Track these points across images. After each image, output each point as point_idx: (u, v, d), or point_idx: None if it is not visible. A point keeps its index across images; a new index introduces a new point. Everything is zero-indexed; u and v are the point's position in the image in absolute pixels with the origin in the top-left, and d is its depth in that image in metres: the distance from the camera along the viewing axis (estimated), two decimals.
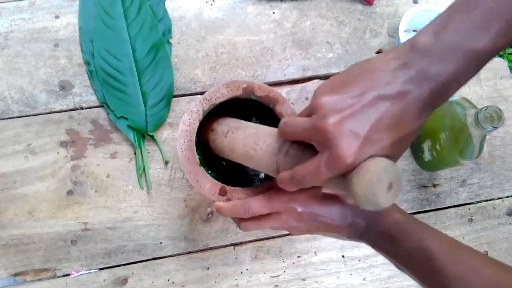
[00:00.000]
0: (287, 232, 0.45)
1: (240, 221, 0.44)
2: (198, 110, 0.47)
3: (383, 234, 0.41)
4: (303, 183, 0.35)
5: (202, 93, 0.47)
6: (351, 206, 0.42)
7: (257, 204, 0.42)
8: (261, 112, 0.52)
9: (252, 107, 0.52)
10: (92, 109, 0.66)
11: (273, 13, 0.71)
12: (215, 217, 0.64)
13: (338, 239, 0.45)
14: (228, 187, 0.46)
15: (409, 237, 0.39)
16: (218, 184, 0.46)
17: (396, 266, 0.42)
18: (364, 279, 0.64)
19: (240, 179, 0.54)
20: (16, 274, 0.61)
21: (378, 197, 0.32)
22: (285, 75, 0.70)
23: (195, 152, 0.46)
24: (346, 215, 0.42)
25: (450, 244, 0.39)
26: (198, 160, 0.46)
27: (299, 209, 0.41)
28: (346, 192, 0.34)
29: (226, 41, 0.70)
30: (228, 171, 0.55)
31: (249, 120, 0.53)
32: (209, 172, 0.50)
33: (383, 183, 0.32)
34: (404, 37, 0.66)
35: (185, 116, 0.47)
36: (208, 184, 0.46)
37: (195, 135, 0.47)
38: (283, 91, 0.69)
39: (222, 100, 0.47)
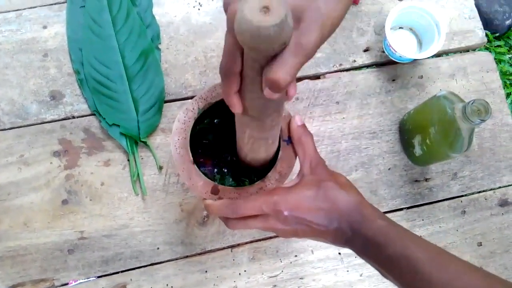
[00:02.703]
0: None
1: (227, 219, 0.45)
2: (193, 109, 0.47)
3: (368, 240, 0.41)
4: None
5: (193, 97, 0.48)
6: (337, 213, 0.43)
7: (245, 205, 0.42)
8: None
9: None
10: (84, 117, 0.66)
11: None
12: (212, 220, 0.64)
13: (324, 243, 0.45)
14: (220, 186, 0.46)
15: (393, 244, 0.40)
16: (211, 183, 0.46)
17: (380, 272, 0.42)
18: (361, 275, 0.65)
19: (233, 179, 0.55)
20: (13, 286, 0.61)
21: (252, 17, 0.26)
22: None
23: (189, 150, 0.47)
24: (332, 221, 0.42)
25: (434, 251, 0.40)
26: (192, 158, 0.46)
27: (286, 213, 0.42)
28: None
29: (215, 44, 0.70)
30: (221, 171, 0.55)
31: None
32: (201, 169, 0.51)
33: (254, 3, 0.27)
34: (390, 34, 0.67)
35: (180, 114, 0.47)
36: (201, 183, 0.46)
37: (189, 133, 0.47)
38: None
39: (217, 99, 0.48)
